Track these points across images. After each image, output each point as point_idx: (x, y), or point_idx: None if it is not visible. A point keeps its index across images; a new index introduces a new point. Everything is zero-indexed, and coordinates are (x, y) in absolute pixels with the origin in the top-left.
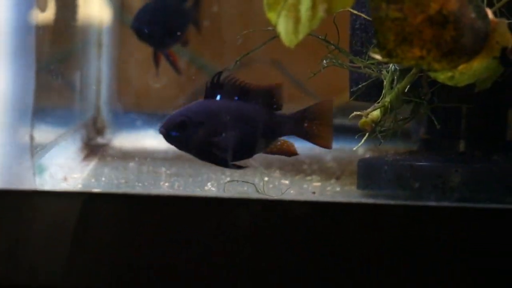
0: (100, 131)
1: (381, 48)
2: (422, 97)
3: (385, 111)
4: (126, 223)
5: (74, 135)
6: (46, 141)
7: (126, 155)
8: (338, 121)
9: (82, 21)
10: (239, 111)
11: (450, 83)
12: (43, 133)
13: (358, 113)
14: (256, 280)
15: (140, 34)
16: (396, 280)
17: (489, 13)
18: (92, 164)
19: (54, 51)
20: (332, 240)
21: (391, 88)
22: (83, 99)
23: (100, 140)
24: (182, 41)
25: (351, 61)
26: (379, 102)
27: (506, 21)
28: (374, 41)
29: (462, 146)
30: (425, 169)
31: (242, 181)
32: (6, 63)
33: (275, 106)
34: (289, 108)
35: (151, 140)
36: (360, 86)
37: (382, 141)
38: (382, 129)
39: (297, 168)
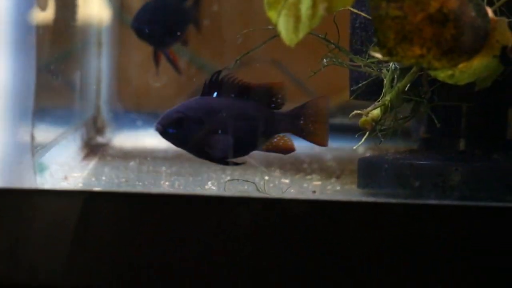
0: (100, 131)
1: (381, 47)
2: (422, 96)
3: (386, 110)
4: (127, 222)
5: (74, 134)
6: (46, 141)
7: (126, 155)
8: (338, 120)
9: (82, 20)
10: (235, 108)
11: (450, 82)
12: (43, 133)
13: (358, 112)
14: (256, 278)
15: (140, 34)
16: (397, 278)
17: (489, 11)
18: (92, 163)
19: (54, 50)
20: (332, 239)
21: (391, 86)
22: (83, 99)
23: (100, 139)
24: (182, 41)
25: (351, 60)
26: (379, 101)
27: (506, 20)
28: (374, 39)
29: (462, 144)
30: (425, 168)
31: (243, 180)
32: (7, 62)
33: (274, 105)
34: (289, 107)
35: (151, 139)
36: (360, 85)
37: (382, 139)
38: (382, 128)
39: (297, 167)
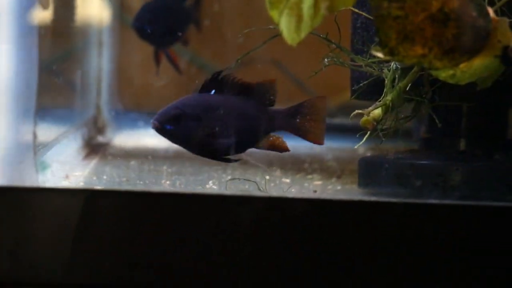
0: (100, 130)
1: (383, 46)
2: (424, 96)
3: (387, 110)
4: (128, 221)
5: (75, 134)
6: (47, 140)
7: (127, 154)
8: (338, 120)
9: (82, 20)
10: (233, 105)
11: (451, 81)
12: (45, 132)
13: (360, 111)
14: (257, 278)
15: (141, 33)
16: (397, 277)
17: (490, 11)
18: (93, 162)
19: (56, 50)
20: (333, 238)
21: (393, 86)
22: (84, 98)
23: (101, 139)
24: (182, 41)
25: (352, 60)
26: (380, 101)
27: (507, 20)
28: (376, 39)
29: (462, 144)
30: (426, 168)
31: (244, 179)
32: (10, 61)
33: (268, 102)
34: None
35: (152, 139)
36: (361, 84)
37: (383, 139)
38: (383, 128)
39: (298, 167)
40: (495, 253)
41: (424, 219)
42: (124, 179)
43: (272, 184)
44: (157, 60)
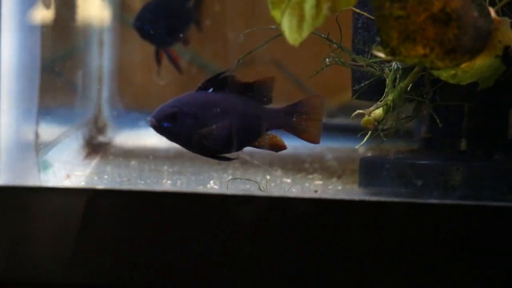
0: (101, 130)
1: (385, 46)
2: (425, 96)
3: (388, 110)
4: (129, 220)
5: (76, 133)
6: (49, 139)
7: (128, 154)
8: (339, 120)
9: (83, 20)
10: (229, 103)
11: (452, 81)
12: (46, 131)
13: (361, 111)
14: (258, 278)
15: (143, 33)
16: (398, 277)
17: (492, 11)
18: (94, 162)
19: (57, 49)
20: (334, 238)
21: (394, 86)
22: (85, 98)
23: (101, 138)
24: (183, 40)
25: (353, 60)
26: (381, 101)
27: (509, 20)
28: (377, 39)
29: (463, 144)
30: (426, 167)
31: (245, 179)
32: (12, 61)
33: (265, 100)
34: None
35: (152, 138)
36: (362, 84)
37: (384, 139)
38: (384, 128)
39: (299, 167)
40: (495, 253)
41: (425, 219)
42: (125, 178)
43: (273, 184)
44: (158, 60)
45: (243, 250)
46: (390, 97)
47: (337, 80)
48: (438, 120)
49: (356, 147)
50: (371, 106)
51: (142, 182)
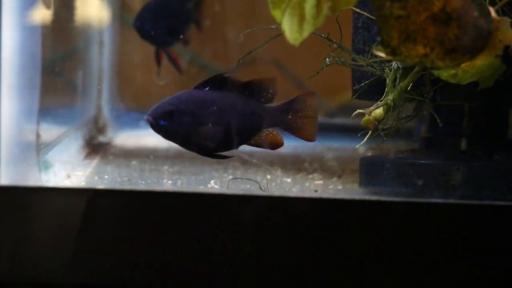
0: (101, 130)
1: (385, 46)
2: (425, 95)
3: (388, 109)
4: (129, 220)
5: (76, 133)
6: (49, 139)
7: (128, 154)
8: (339, 119)
9: (83, 20)
10: (225, 101)
11: (453, 81)
12: (46, 131)
13: (361, 111)
14: (258, 277)
15: (143, 33)
16: (399, 277)
17: (492, 11)
18: (94, 162)
19: (57, 50)
20: (334, 237)
21: (394, 86)
22: (85, 98)
23: (101, 138)
24: (183, 40)
25: (353, 60)
26: (381, 100)
27: (509, 20)
28: (378, 39)
29: (463, 144)
30: (427, 167)
31: (245, 179)
32: (13, 61)
33: (264, 100)
34: None
35: (153, 138)
36: (362, 84)
37: (385, 139)
38: (384, 127)
39: (299, 166)
40: (495, 252)
41: (425, 218)
42: (126, 178)
43: (274, 184)
44: (158, 60)
45: (243, 250)
46: (390, 97)
47: (337, 80)
48: (438, 120)
49: (357, 146)
50: (371, 105)
51: (142, 182)
